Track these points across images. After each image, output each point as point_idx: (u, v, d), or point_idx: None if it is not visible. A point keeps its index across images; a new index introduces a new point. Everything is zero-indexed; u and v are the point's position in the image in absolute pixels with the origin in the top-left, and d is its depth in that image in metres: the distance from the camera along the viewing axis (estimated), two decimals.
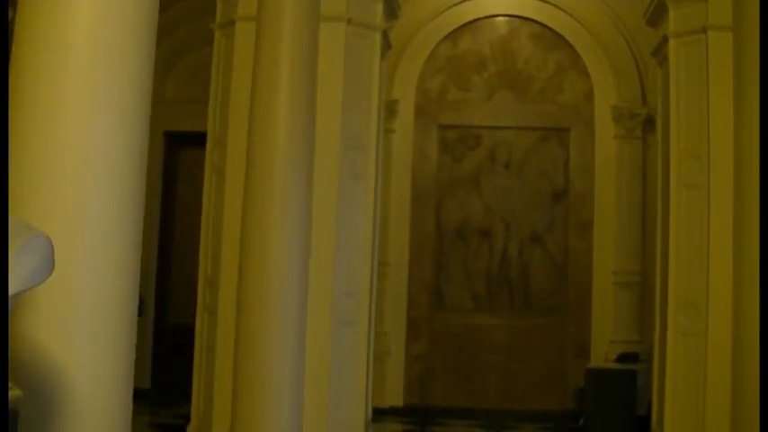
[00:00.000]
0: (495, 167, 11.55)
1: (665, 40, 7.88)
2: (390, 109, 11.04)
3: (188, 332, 8.13)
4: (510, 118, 11.59)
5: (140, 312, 3.92)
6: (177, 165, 12.06)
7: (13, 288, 2.70)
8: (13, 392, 2.80)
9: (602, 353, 10.99)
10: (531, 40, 11.67)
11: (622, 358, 10.57)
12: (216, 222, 7.53)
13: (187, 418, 7.96)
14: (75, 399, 3.38)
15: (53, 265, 2.81)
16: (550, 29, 11.58)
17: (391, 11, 8.33)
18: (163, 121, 10.98)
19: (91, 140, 3.48)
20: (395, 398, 11.15)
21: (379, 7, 7.93)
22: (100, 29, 3.53)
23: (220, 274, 7.38)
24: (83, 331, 3.43)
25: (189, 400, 7.90)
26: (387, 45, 8.42)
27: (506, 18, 11.73)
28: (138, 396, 3.96)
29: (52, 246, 2.80)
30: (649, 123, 10.81)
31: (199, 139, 8.45)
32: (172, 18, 10.16)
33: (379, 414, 9.71)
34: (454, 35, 11.74)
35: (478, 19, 11.72)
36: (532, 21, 11.63)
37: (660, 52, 8.19)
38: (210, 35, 8.09)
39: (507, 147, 11.55)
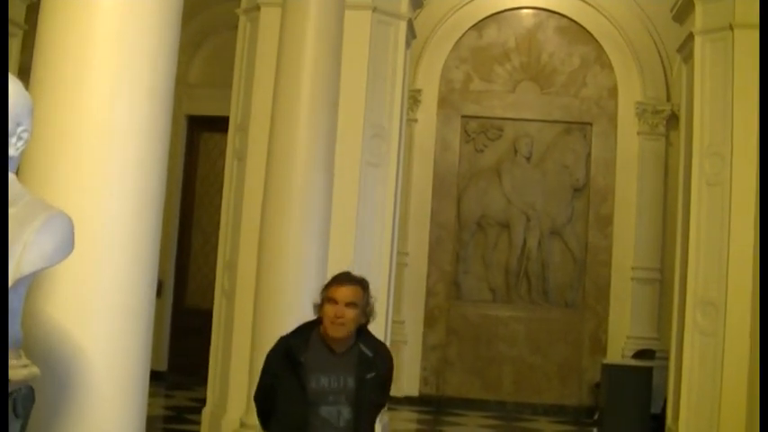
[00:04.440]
0: (517, 159, 11.52)
1: (690, 36, 7.85)
2: (413, 98, 11.02)
3: (205, 316, 8.16)
4: (533, 110, 11.55)
5: (158, 294, 3.94)
6: (198, 148, 12.07)
7: (31, 266, 2.72)
8: (31, 369, 2.82)
9: (619, 348, 10.96)
10: (557, 33, 11.62)
11: (639, 355, 10.53)
12: (236, 207, 7.55)
13: (203, 402, 8.00)
14: (91, 377, 3.40)
15: (72, 245, 2.83)
16: (576, 22, 11.53)
17: (417, 0, 8.31)
18: (185, 104, 11.01)
19: (113, 121, 3.49)
20: (411, 387, 11.15)
21: None
22: (125, 9, 3.54)
23: (239, 258, 7.39)
24: (100, 310, 3.46)
25: (205, 384, 7.93)
26: (412, 34, 8.41)
27: (532, 10, 11.68)
28: (155, 378, 3.99)
29: (72, 225, 2.82)
30: (673, 120, 10.76)
31: (221, 124, 8.46)
32: (196, 1, 10.17)
33: (394, 403, 9.73)
34: (480, 26, 11.70)
35: (504, 10, 11.68)
36: (558, 14, 11.59)
37: (685, 49, 8.16)
38: (235, 19, 8.10)
39: (529, 139, 11.52)
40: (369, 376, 4.45)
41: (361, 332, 4.53)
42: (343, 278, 4.55)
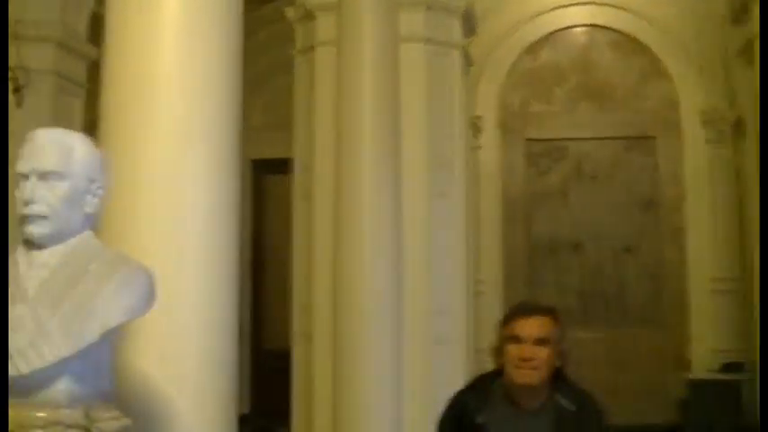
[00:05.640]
0: (582, 179, 11.44)
1: (751, 39, 7.74)
2: (474, 125, 11.00)
3: (285, 357, 8.18)
4: (594, 128, 11.48)
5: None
6: (265, 191, 12.17)
7: (114, 321, 2.76)
8: (122, 421, 2.85)
9: (705, 363, 10.76)
10: (611, 49, 11.56)
11: (727, 368, 10.33)
12: (307, 247, 7.56)
13: None
14: (180, 426, 3.42)
15: (154, 297, 2.87)
16: (629, 35, 11.46)
17: (469, 27, 8.31)
18: (249, 148, 11.09)
19: (184, 171, 3.54)
20: None
21: (457, 25, 7.92)
22: (188, 58, 3.59)
23: (314, 299, 7.40)
24: (185, 359, 3.49)
25: (287, 424, 7.94)
26: (467, 62, 8.41)
27: (584, 28, 11.65)
28: (239, 421, 3.99)
29: (151, 278, 2.86)
30: (739, 125, 10.59)
31: (285, 166, 8.51)
32: (252, 47, 10.25)
33: None
34: (533, 48, 11.70)
35: (556, 31, 11.67)
36: (610, 29, 11.53)
37: (747, 52, 8.05)
38: (292, 61, 8.16)
39: (593, 158, 11.44)
40: None
41: (558, 379, 3.50)
42: (528, 308, 3.61)
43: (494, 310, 11.18)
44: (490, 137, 11.46)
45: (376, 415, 6.79)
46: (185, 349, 3.48)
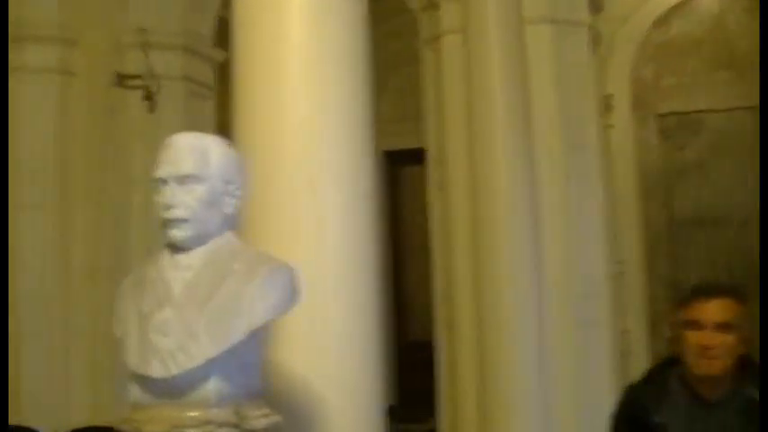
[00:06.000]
0: (721, 152, 11.13)
1: None
2: (606, 104, 10.81)
3: (428, 347, 8.18)
4: (731, 99, 11.15)
5: None
6: (399, 183, 12.22)
7: (260, 319, 2.79)
8: (272, 418, 2.88)
9: None
10: (747, 14, 11.19)
11: None
12: (445, 237, 7.55)
13: None
14: (329, 422, 3.45)
15: (299, 294, 2.90)
16: None
17: (596, 4, 8.16)
18: (380, 140, 11.14)
19: (319, 165, 3.57)
20: None
21: (583, 2, 7.79)
22: (317, 56, 3.61)
23: (456, 289, 7.38)
24: (331, 354, 3.51)
25: (434, 415, 7.95)
26: (595, 40, 8.27)
27: None
28: (385, 413, 4.00)
29: (295, 275, 2.88)
30: None
31: (417, 156, 8.51)
32: (377, 39, 10.30)
33: None
34: (663, 20, 11.41)
35: (686, 0, 11.36)
36: None
37: None
38: (417, 52, 8.16)
39: (731, 129, 11.12)
40: None
41: (746, 368, 3.13)
42: (708, 290, 3.23)
43: (635, 290, 11.04)
44: (622, 114, 11.25)
45: (523, 401, 6.75)
46: (331, 344, 3.51)
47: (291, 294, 2.89)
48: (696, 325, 3.08)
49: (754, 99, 10.90)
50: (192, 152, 2.90)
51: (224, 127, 3.76)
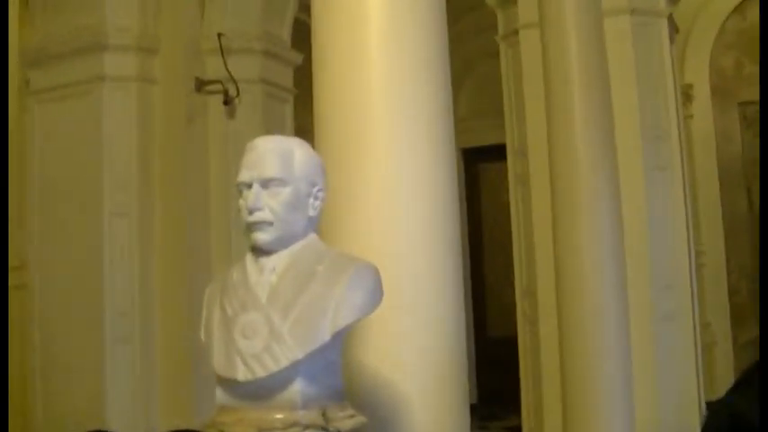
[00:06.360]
0: None
1: None
2: (686, 94, 10.68)
3: (509, 344, 8.16)
4: None
5: None
6: (478, 179, 12.21)
7: (345, 320, 2.80)
8: (357, 419, 2.89)
9: None
10: None
11: None
12: (526, 232, 7.53)
13: (517, 430, 7.99)
14: (412, 421, 3.45)
15: (381, 294, 2.90)
16: None
17: None
18: (458, 137, 11.14)
19: (399, 166, 3.58)
20: (726, 389, 10.72)
21: None
22: (397, 61, 3.62)
23: (537, 283, 7.36)
24: (412, 353, 3.50)
25: (516, 412, 7.93)
26: (674, 29, 8.16)
27: None
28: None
29: (378, 275, 2.89)
30: None
31: (495, 153, 8.49)
32: (454, 37, 10.31)
33: None
34: (741, 7, 11.25)
35: None
36: None
37: None
38: (492, 48, 8.14)
39: None
40: None
41: None
42: None
43: (717, 281, 10.89)
44: (702, 104, 11.12)
45: (606, 395, 6.70)
46: (414, 344, 3.50)
47: (376, 294, 2.88)
48: None
49: None
50: (276, 155, 2.90)
51: (303, 129, 3.79)
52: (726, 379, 10.69)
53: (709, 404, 2.86)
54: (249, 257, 2.94)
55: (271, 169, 2.88)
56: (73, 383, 6.92)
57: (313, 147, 3.18)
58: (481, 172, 12.19)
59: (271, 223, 2.85)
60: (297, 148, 2.96)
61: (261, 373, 2.77)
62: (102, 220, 6.98)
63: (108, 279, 6.95)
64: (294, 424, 2.75)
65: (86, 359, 6.90)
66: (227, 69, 7.19)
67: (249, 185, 2.88)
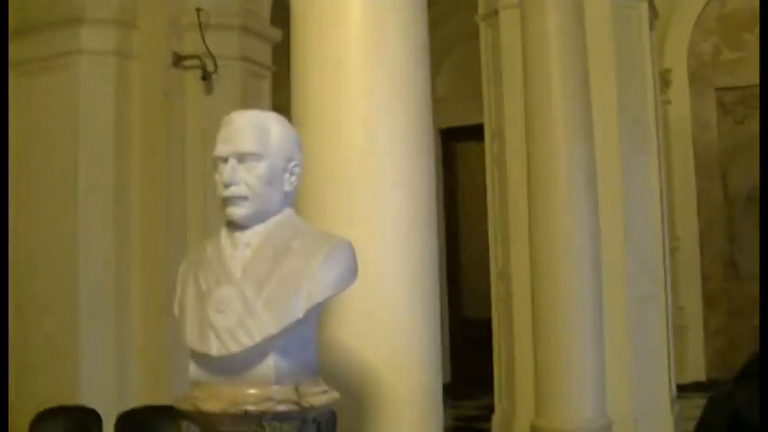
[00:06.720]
0: None
1: None
2: (664, 79, 10.71)
3: (483, 324, 8.19)
4: None
5: None
6: (455, 160, 12.22)
7: (319, 296, 2.79)
8: (331, 394, 2.89)
9: None
10: None
11: None
12: (502, 214, 7.55)
13: (489, 409, 8.02)
14: (386, 398, 3.46)
15: (356, 271, 2.90)
16: None
17: None
18: (436, 118, 11.13)
19: (377, 145, 3.59)
20: (697, 373, 10.84)
21: None
22: (374, 39, 3.62)
23: (512, 265, 7.38)
24: (385, 331, 3.52)
25: (489, 391, 7.96)
26: (653, 14, 8.18)
27: None
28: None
29: (353, 252, 2.88)
30: None
31: (472, 133, 8.48)
32: (434, 17, 10.29)
33: (682, 390, 9.46)
34: None
35: None
36: None
37: None
38: (472, 28, 8.14)
39: None
40: None
41: None
42: None
43: (691, 266, 10.96)
44: (679, 89, 11.15)
45: (578, 378, 6.74)
46: (387, 319, 3.52)
47: (351, 271, 2.88)
48: None
49: None
50: (252, 129, 2.88)
51: (280, 107, 3.77)
52: (697, 363, 10.79)
53: (711, 398, 2.79)
54: (224, 232, 2.92)
55: (247, 144, 2.86)
56: (48, 359, 6.90)
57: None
58: (458, 152, 12.19)
59: (246, 198, 2.84)
60: (273, 123, 2.94)
61: (235, 348, 2.75)
62: (77, 195, 6.94)
63: (82, 253, 6.93)
64: (268, 399, 2.75)
65: (61, 335, 6.87)
66: (205, 45, 7.13)
67: (225, 160, 2.86)
